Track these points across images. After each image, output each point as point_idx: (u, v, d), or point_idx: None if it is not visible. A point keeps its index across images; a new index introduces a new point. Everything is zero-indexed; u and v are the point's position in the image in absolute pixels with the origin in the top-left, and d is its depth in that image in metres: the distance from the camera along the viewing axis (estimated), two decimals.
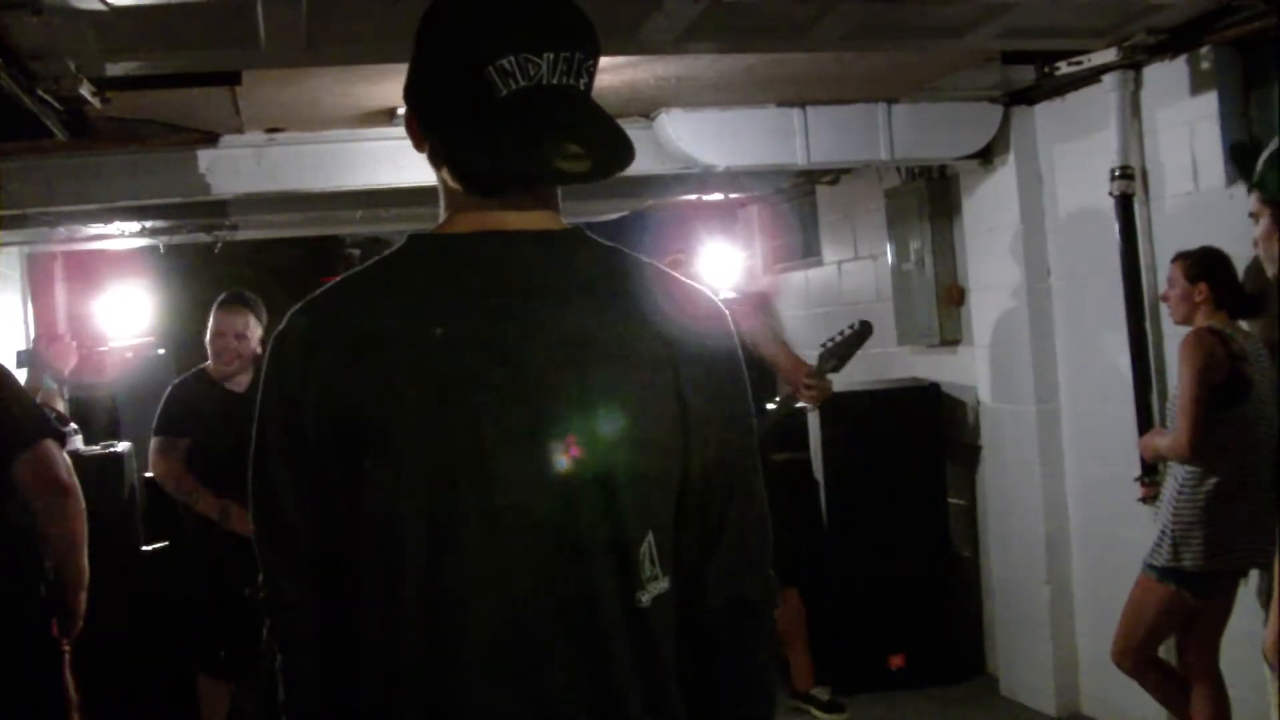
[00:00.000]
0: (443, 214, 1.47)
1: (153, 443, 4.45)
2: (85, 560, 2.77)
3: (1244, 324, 3.62)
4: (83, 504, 2.77)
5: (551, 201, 1.46)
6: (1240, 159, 3.64)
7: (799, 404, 4.62)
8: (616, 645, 1.38)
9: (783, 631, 4.75)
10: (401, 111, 1.52)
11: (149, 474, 4.62)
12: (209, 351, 4.54)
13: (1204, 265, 3.57)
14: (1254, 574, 3.68)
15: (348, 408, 1.38)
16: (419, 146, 1.48)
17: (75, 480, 2.76)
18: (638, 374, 1.40)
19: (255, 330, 4.49)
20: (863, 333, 4.59)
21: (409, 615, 1.36)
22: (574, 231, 1.46)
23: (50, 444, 2.70)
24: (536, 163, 1.37)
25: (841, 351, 4.55)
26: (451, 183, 1.45)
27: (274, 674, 1.47)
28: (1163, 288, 4.03)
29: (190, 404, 4.44)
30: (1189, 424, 3.44)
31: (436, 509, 1.36)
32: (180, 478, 4.35)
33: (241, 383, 4.44)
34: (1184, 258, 3.63)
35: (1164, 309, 4.01)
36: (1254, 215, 2.99)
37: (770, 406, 4.98)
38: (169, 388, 4.59)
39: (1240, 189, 3.79)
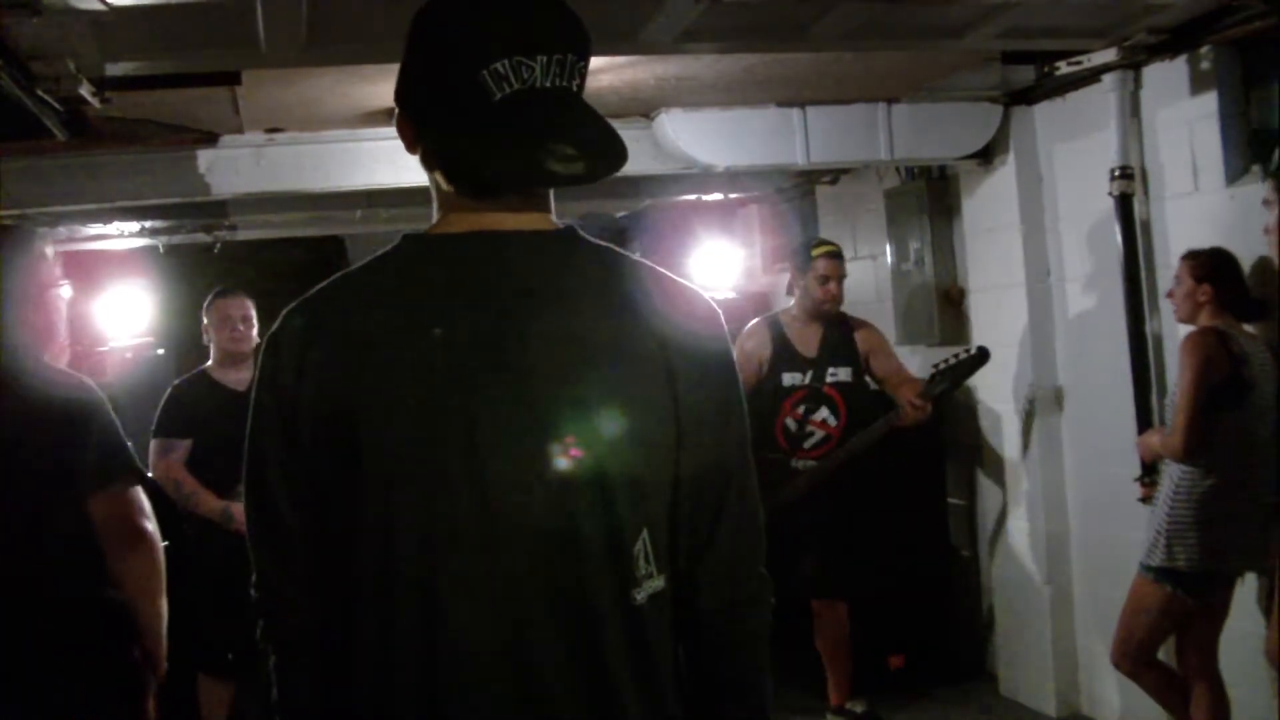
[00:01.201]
0: (435, 215, 1.48)
1: (152, 445, 4.45)
2: (163, 607, 2.58)
3: (1249, 326, 3.61)
4: (159, 553, 2.57)
5: (544, 202, 1.47)
6: (1258, 147, 3.63)
7: (899, 422, 4.48)
8: (612, 643, 1.38)
9: (823, 644, 4.72)
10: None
11: (149, 474, 4.62)
12: (214, 344, 4.57)
13: (1210, 267, 3.56)
14: (1251, 576, 3.68)
15: (343, 408, 1.38)
16: (411, 149, 1.48)
17: (153, 527, 2.57)
18: (632, 373, 1.41)
19: (254, 315, 4.54)
20: (979, 358, 4.52)
21: (404, 615, 1.37)
22: (568, 231, 1.47)
23: (128, 486, 2.52)
24: (532, 166, 1.38)
25: (955, 375, 4.50)
26: (445, 185, 1.45)
27: (269, 674, 1.48)
28: (1163, 287, 4.03)
29: (191, 405, 4.45)
30: (1184, 423, 3.44)
31: (432, 509, 1.37)
32: (180, 480, 4.35)
33: (243, 381, 4.44)
34: (1192, 257, 3.61)
35: (1165, 309, 4.01)
36: (1267, 203, 2.99)
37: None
38: (169, 389, 4.60)
39: (1240, 189, 3.80)
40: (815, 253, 4.72)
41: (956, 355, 4.52)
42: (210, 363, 4.61)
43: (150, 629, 2.55)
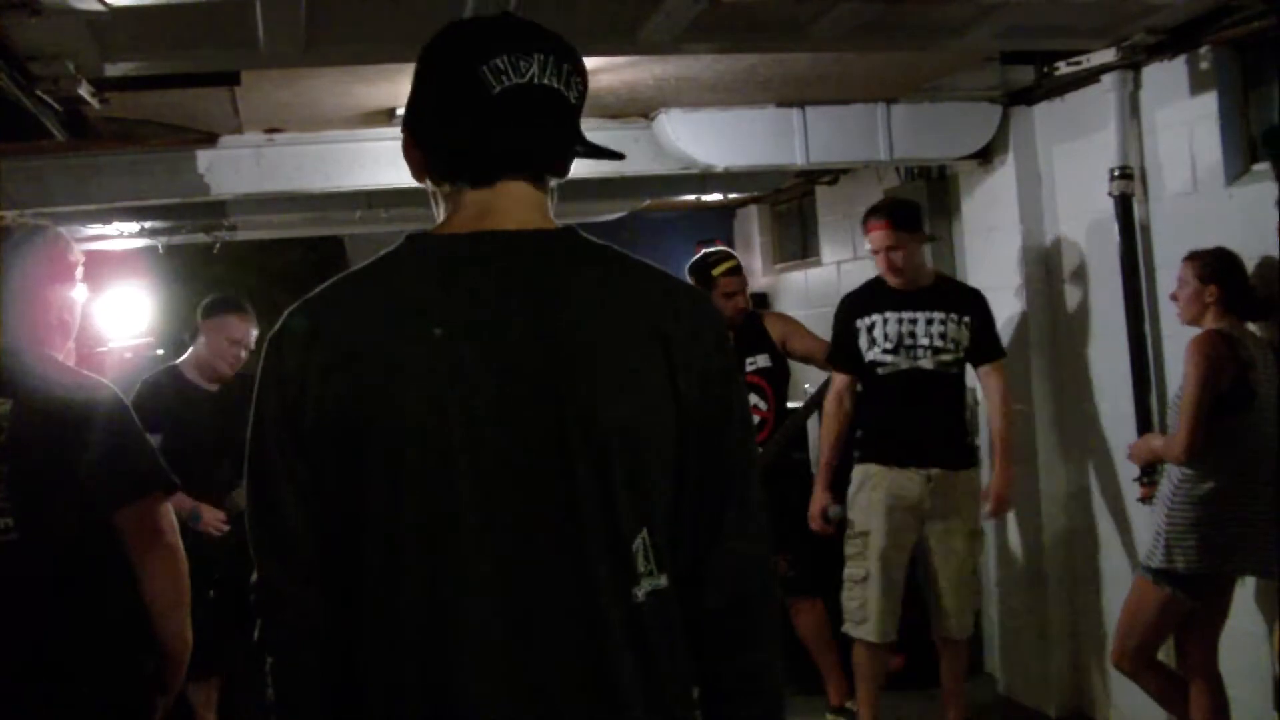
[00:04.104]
0: (440, 219, 1.50)
1: None
2: (189, 631, 2.51)
3: (1252, 327, 3.60)
4: (182, 568, 2.50)
5: (544, 203, 1.49)
6: (1271, 143, 3.61)
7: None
8: (613, 639, 1.39)
9: (809, 643, 4.75)
10: (401, 111, 1.55)
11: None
12: (204, 352, 4.50)
13: (1216, 266, 3.54)
14: (1251, 577, 3.67)
15: (347, 408, 1.39)
16: (419, 177, 1.51)
17: (178, 539, 2.50)
18: (633, 370, 1.42)
19: (254, 339, 4.53)
20: None
21: (407, 613, 1.37)
22: (567, 231, 1.49)
23: (157, 497, 2.46)
24: (529, 146, 1.43)
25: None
26: (449, 188, 1.48)
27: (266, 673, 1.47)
28: (1162, 288, 4.03)
29: (161, 402, 4.36)
30: (1188, 428, 3.43)
31: (435, 508, 1.37)
32: None
33: (215, 384, 4.43)
34: (1197, 258, 3.59)
35: (1164, 309, 4.00)
36: None
37: (794, 405, 5.03)
38: (138, 384, 4.50)
39: (1239, 189, 3.80)
40: (716, 272, 4.91)
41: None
42: (186, 359, 4.55)
43: (170, 649, 2.49)
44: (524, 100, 1.40)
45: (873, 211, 4.44)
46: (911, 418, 4.32)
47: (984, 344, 4.35)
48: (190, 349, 4.59)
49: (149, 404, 4.42)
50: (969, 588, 4.39)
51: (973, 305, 4.38)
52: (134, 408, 4.35)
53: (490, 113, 1.40)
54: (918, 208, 4.57)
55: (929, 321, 4.31)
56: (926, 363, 4.29)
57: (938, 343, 4.30)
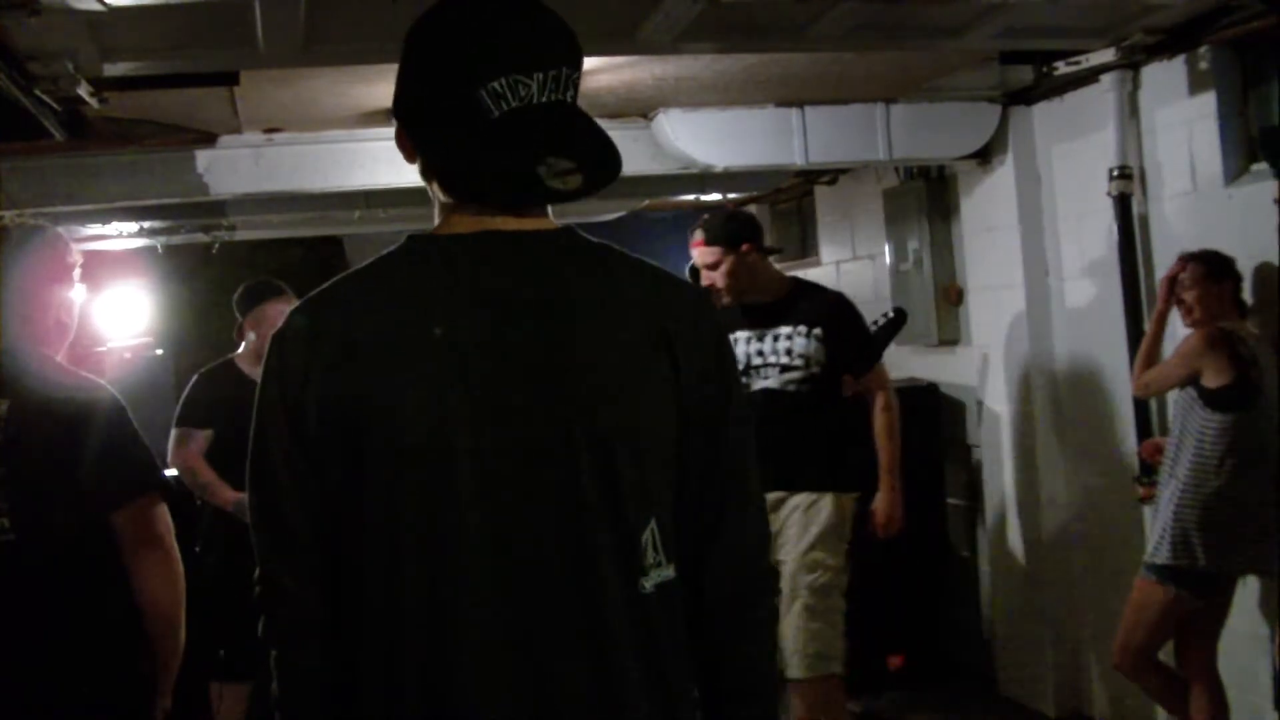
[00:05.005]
0: (437, 218, 1.50)
1: (172, 434, 4.40)
2: (181, 635, 2.50)
3: (1251, 326, 3.60)
4: (179, 568, 2.49)
5: (544, 205, 1.48)
6: (1270, 144, 3.61)
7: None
8: (618, 633, 1.39)
9: None
10: None
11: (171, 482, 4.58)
12: (256, 343, 4.43)
13: (1226, 265, 3.55)
14: (1251, 577, 3.67)
15: (349, 407, 1.39)
16: (410, 159, 1.50)
17: (174, 542, 2.48)
18: (635, 367, 1.42)
19: None
20: (898, 321, 4.77)
21: (407, 613, 1.37)
22: (566, 231, 1.49)
23: (154, 499, 2.45)
24: (531, 184, 1.40)
25: (879, 339, 4.58)
26: (444, 196, 1.47)
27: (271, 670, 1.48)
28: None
29: (215, 395, 4.37)
30: (1158, 382, 3.69)
31: (435, 508, 1.38)
32: (197, 469, 4.31)
33: None
34: (1203, 260, 3.58)
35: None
36: (1279, 202, 2.99)
37: None
38: (194, 377, 4.51)
39: (1238, 188, 3.80)
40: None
41: (875, 322, 4.70)
42: (240, 353, 4.55)
43: (162, 653, 2.47)
44: (524, 125, 1.38)
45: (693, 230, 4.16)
46: (759, 442, 4.13)
47: (846, 355, 3.96)
48: (242, 343, 4.57)
49: (203, 399, 4.41)
50: (799, 620, 3.81)
51: (827, 315, 3.95)
52: (187, 403, 4.41)
53: (490, 142, 1.38)
54: (738, 219, 4.16)
55: (775, 338, 3.96)
56: (772, 382, 3.92)
57: (784, 359, 3.93)
